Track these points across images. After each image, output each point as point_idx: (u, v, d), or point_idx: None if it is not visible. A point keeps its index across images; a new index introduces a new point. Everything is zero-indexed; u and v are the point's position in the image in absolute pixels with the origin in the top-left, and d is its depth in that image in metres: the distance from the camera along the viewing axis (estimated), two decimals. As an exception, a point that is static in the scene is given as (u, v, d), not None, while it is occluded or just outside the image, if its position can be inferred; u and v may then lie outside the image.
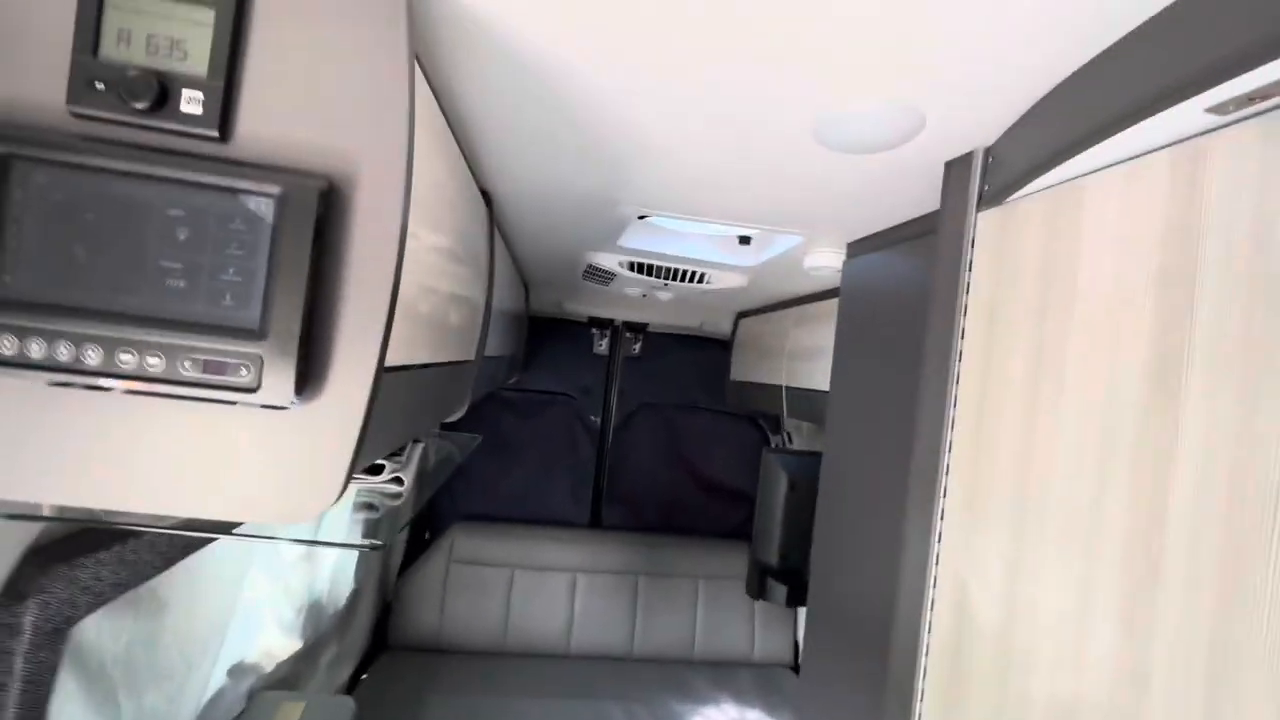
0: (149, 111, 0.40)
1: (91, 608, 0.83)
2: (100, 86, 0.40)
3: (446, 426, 1.23)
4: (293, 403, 0.42)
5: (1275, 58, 0.36)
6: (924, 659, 0.71)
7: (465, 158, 0.86)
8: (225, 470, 0.43)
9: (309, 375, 0.43)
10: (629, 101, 0.65)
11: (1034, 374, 0.59)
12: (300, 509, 0.44)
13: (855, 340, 1.11)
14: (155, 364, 0.40)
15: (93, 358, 0.40)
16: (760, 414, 2.70)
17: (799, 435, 2.54)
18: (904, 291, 0.95)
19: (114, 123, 0.40)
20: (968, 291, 0.69)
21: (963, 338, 0.70)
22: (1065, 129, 0.55)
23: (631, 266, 1.70)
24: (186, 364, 0.40)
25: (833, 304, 1.66)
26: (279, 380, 0.41)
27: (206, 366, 0.41)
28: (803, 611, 2.56)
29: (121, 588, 0.89)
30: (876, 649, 0.88)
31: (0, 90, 0.40)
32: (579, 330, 2.66)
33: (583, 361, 2.69)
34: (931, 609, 0.71)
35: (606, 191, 1.02)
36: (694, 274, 1.68)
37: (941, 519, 0.71)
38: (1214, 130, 0.44)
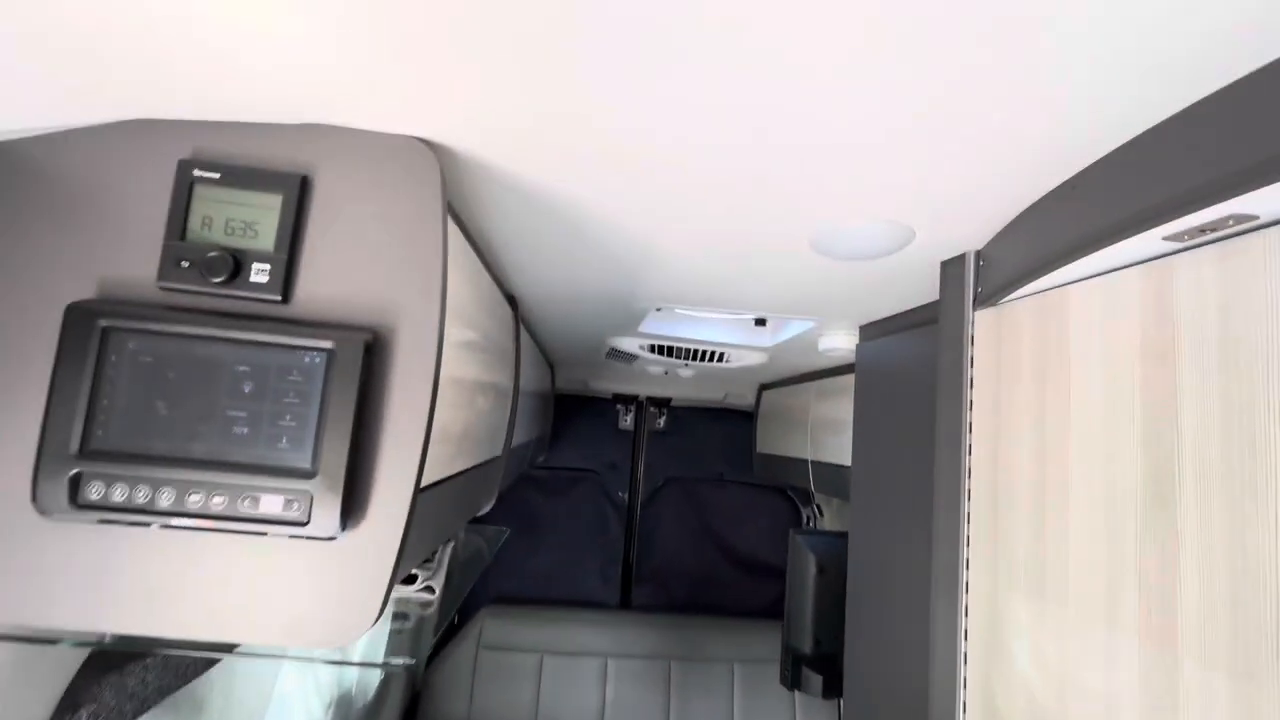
0: (224, 283, 0.47)
1: (137, 713, 0.86)
2: (185, 265, 0.47)
3: (474, 519, 1.26)
4: (338, 534, 0.46)
5: (1220, 199, 0.40)
6: None
7: (491, 269, 0.93)
8: (274, 599, 0.47)
9: (352, 506, 0.47)
10: (640, 222, 0.72)
11: (1040, 471, 0.60)
12: (343, 632, 0.47)
13: (873, 421, 1.13)
14: (219, 503, 0.45)
15: (166, 499, 0.45)
16: (789, 486, 2.67)
17: (829, 507, 2.50)
18: (917, 374, 0.98)
19: (195, 294, 0.47)
20: (972, 386, 0.72)
21: (971, 430, 0.72)
22: (1044, 242, 0.59)
23: (652, 348, 1.75)
24: (246, 502, 0.45)
25: (851, 378, 1.69)
26: (326, 514, 0.46)
27: (263, 504, 0.45)
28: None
29: (165, 691, 0.92)
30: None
31: (104, 273, 0.47)
32: (604, 406, 2.71)
33: (608, 437, 2.71)
34: (964, 693, 0.70)
35: (623, 290, 1.08)
36: (713, 354, 1.72)
37: (966, 600, 0.70)
38: (1175, 254, 0.47)
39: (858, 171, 0.55)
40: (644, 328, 1.52)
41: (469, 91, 0.45)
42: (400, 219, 0.50)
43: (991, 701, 0.65)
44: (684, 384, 2.45)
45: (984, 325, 0.71)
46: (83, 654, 0.74)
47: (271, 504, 0.45)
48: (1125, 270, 0.52)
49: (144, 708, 0.87)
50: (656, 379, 2.36)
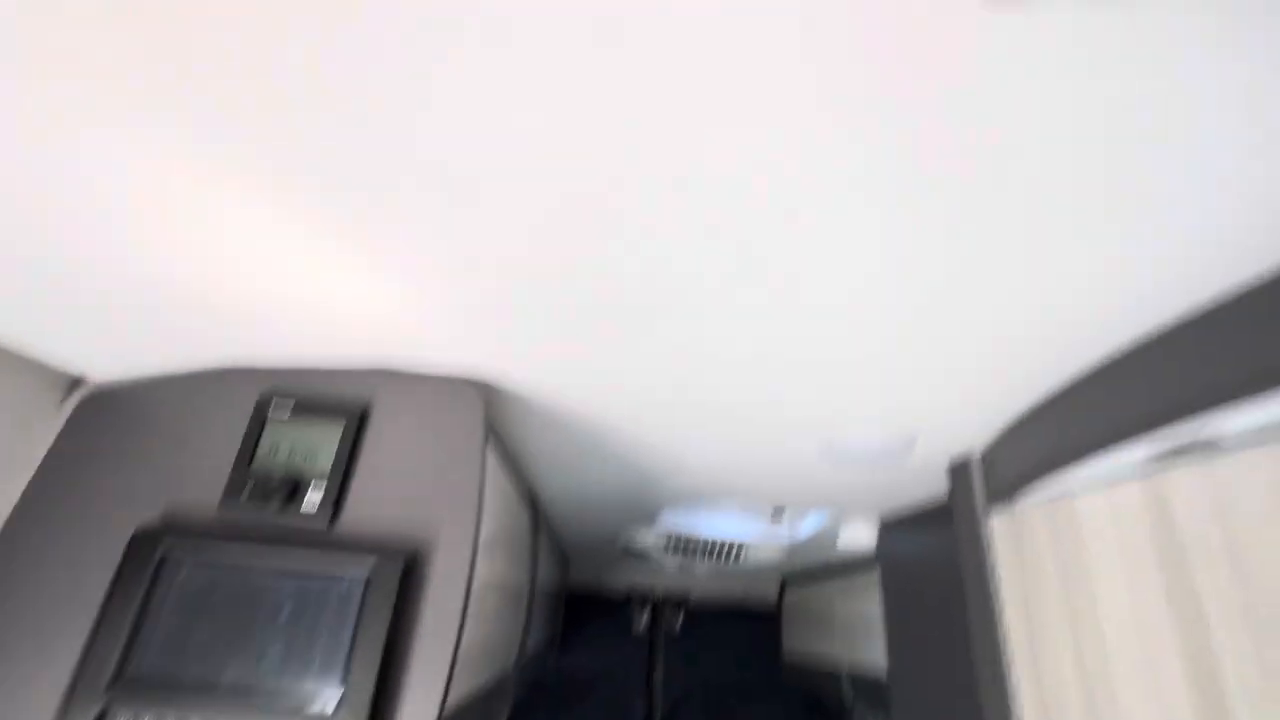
0: (280, 508, 0.51)
1: None
2: (246, 492, 0.51)
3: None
4: (354, 772, 0.44)
5: (1187, 420, 0.44)
6: None
7: (517, 474, 0.97)
8: None
9: None
10: (659, 437, 0.77)
11: (1085, 683, 0.57)
12: None
13: (903, 620, 1.07)
14: (239, 738, 0.44)
15: (187, 735, 0.44)
16: (822, 698, 2.40)
17: (872, 725, 2.22)
18: (942, 569, 0.95)
19: (251, 516, 0.51)
20: (1000, 590, 0.71)
21: (1007, 639, 0.69)
22: (1043, 448, 0.63)
23: (668, 545, 1.72)
24: None
25: (876, 573, 1.62)
26: (347, 748, 0.44)
27: None
28: None
29: None
30: None
31: (171, 499, 0.51)
32: (617, 609, 2.56)
33: (622, 643, 2.52)
34: None
35: (641, 489, 1.10)
36: (730, 550, 1.68)
37: None
38: (1166, 468, 0.51)
39: (859, 387, 0.61)
40: (661, 522, 1.51)
41: (517, 346, 0.53)
42: (444, 447, 0.56)
43: None
44: (702, 578, 2.34)
45: (1001, 527, 0.72)
46: None
47: (292, 738, 0.44)
48: (1125, 485, 0.55)
49: None
50: (672, 576, 2.26)
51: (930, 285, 0.43)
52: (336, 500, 0.52)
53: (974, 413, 0.67)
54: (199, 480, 0.52)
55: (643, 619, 2.53)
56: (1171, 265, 0.40)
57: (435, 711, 0.47)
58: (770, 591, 2.44)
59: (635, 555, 1.86)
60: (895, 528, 1.15)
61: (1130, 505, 0.54)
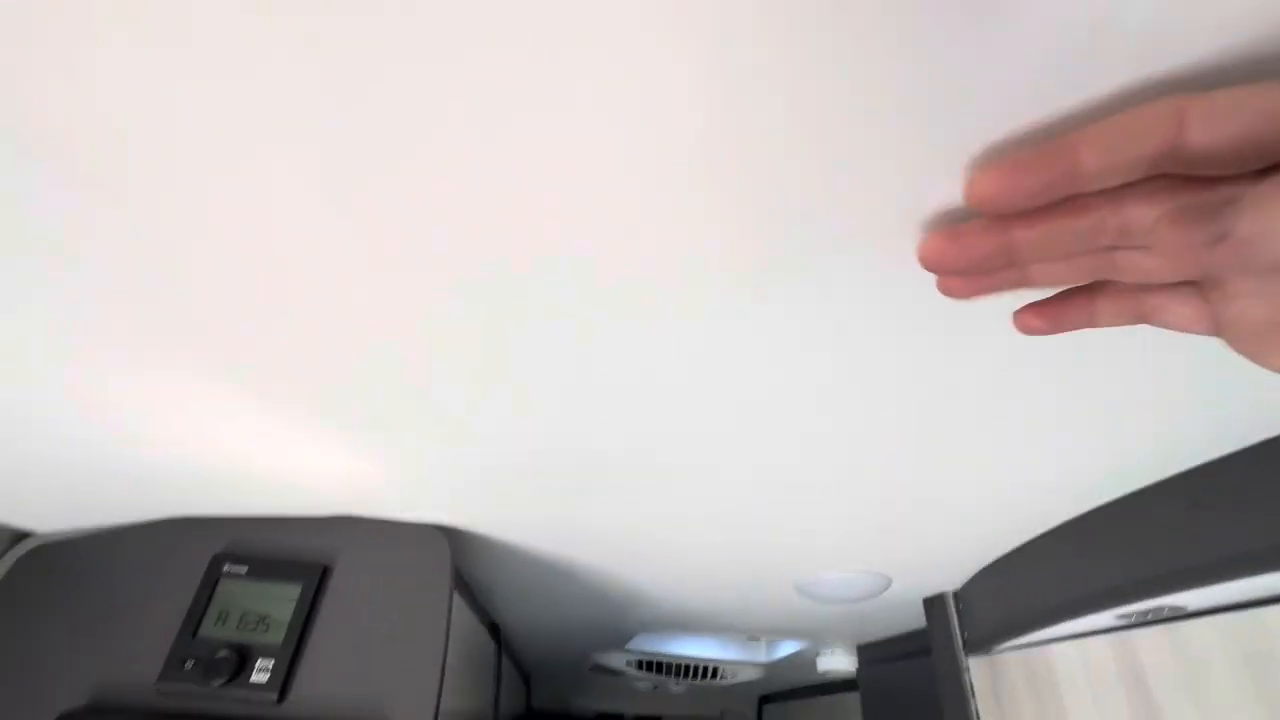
0: (225, 684, 0.47)
1: None
2: (189, 665, 0.47)
3: None
4: None
5: (1155, 596, 0.45)
6: None
7: (478, 605, 0.93)
8: None
9: None
10: (629, 575, 0.75)
11: None
12: None
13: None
14: None
15: None
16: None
17: None
18: (922, 695, 0.92)
19: (192, 695, 0.47)
20: (983, 735, 0.68)
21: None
22: (1013, 598, 0.63)
23: (640, 665, 1.63)
24: None
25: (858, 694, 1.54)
26: None
27: None
28: None
29: None
30: None
31: (103, 678, 0.47)
32: (586, 731, 2.37)
33: (590, 772, 2.31)
34: None
35: (609, 619, 1.06)
36: (707, 669, 1.60)
37: None
38: (1133, 627, 0.51)
39: (831, 536, 0.61)
40: (632, 645, 1.44)
41: (483, 500, 0.52)
42: (408, 598, 0.53)
43: None
44: (676, 700, 2.20)
45: (979, 669, 0.71)
46: None
47: None
48: (1096, 637, 0.55)
49: None
50: (644, 695, 2.12)
51: (895, 455, 0.45)
52: (286, 677, 0.48)
53: (947, 559, 0.67)
54: (136, 652, 0.48)
55: (613, 747, 2.34)
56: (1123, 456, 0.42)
57: None
58: (749, 713, 2.30)
59: (605, 673, 1.75)
60: (875, 653, 1.11)
61: (1101, 657, 0.54)
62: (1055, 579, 0.56)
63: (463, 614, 0.73)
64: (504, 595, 0.89)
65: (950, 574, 0.72)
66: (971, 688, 0.72)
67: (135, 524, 0.54)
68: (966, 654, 0.73)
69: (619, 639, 1.35)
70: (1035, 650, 0.63)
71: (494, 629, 1.11)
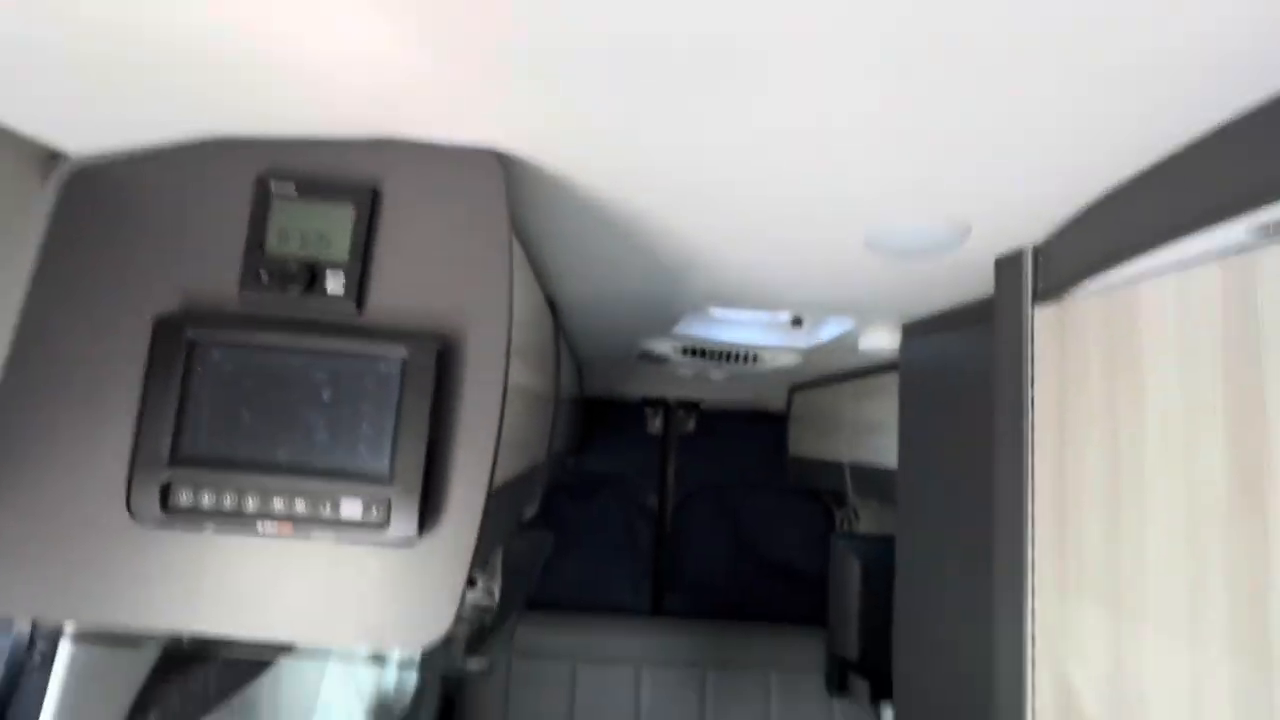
0: (302, 293, 0.48)
1: (200, 713, 0.88)
2: (265, 276, 0.48)
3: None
4: (415, 536, 0.47)
5: None
6: None
7: (536, 274, 0.94)
8: (354, 602, 0.48)
9: (428, 510, 0.48)
10: (688, 223, 0.72)
11: (1113, 471, 0.59)
12: (420, 634, 0.48)
13: (919, 421, 1.11)
14: (302, 508, 0.46)
15: (252, 505, 0.46)
16: (823, 490, 2.65)
17: (866, 510, 2.47)
18: (967, 371, 0.96)
19: (275, 304, 0.48)
20: (1032, 385, 0.71)
21: (1033, 430, 0.70)
22: (1111, 237, 0.58)
23: (685, 351, 1.75)
24: (327, 507, 0.46)
25: (891, 378, 1.67)
26: (404, 518, 0.46)
27: (344, 508, 0.46)
28: (888, 705, 2.39)
29: (224, 694, 0.94)
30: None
31: (189, 286, 0.48)
32: (631, 411, 2.71)
33: (636, 442, 2.71)
34: (1033, 698, 0.68)
35: (662, 293, 1.08)
36: (747, 355, 1.72)
37: (1033, 600, 0.69)
38: (1261, 246, 0.46)
39: (913, 159, 0.55)
40: (679, 329, 1.52)
41: (540, 105, 0.45)
42: (466, 228, 0.51)
43: (1064, 708, 0.64)
44: (714, 386, 2.44)
45: (1044, 322, 0.70)
46: (153, 657, 0.76)
47: (351, 508, 0.46)
48: (1203, 267, 0.51)
49: (205, 710, 0.89)
50: (686, 382, 2.35)
51: (988, 49, 0.36)
52: (360, 289, 0.49)
53: (1035, 200, 0.60)
54: (211, 267, 0.49)
55: (656, 421, 2.70)
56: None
57: (484, 488, 0.49)
58: (779, 399, 2.56)
59: (651, 360, 1.91)
60: (921, 329, 1.14)
61: (1204, 289, 0.50)
62: (1168, 200, 0.49)
63: (523, 273, 0.73)
64: (560, 262, 0.89)
65: (1037, 222, 0.66)
66: (1032, 343, 0.72)
67: (171, 145, 0.51)
68: (1035, 305, 0.71)
69: (666, 322, 1.41)
70: (1118, 291, 0.60)
71: (552, 307, 1.16)
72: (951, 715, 0.92)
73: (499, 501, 0.65)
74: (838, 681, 1.32)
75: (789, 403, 2.52)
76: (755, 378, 2.19)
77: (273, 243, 0.49)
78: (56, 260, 0.49)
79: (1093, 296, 0.63)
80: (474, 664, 0.69)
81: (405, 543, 0.48)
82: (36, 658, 0.60)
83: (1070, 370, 0.65)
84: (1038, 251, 0.71)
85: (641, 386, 2.56)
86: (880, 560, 1.33)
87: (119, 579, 0.46)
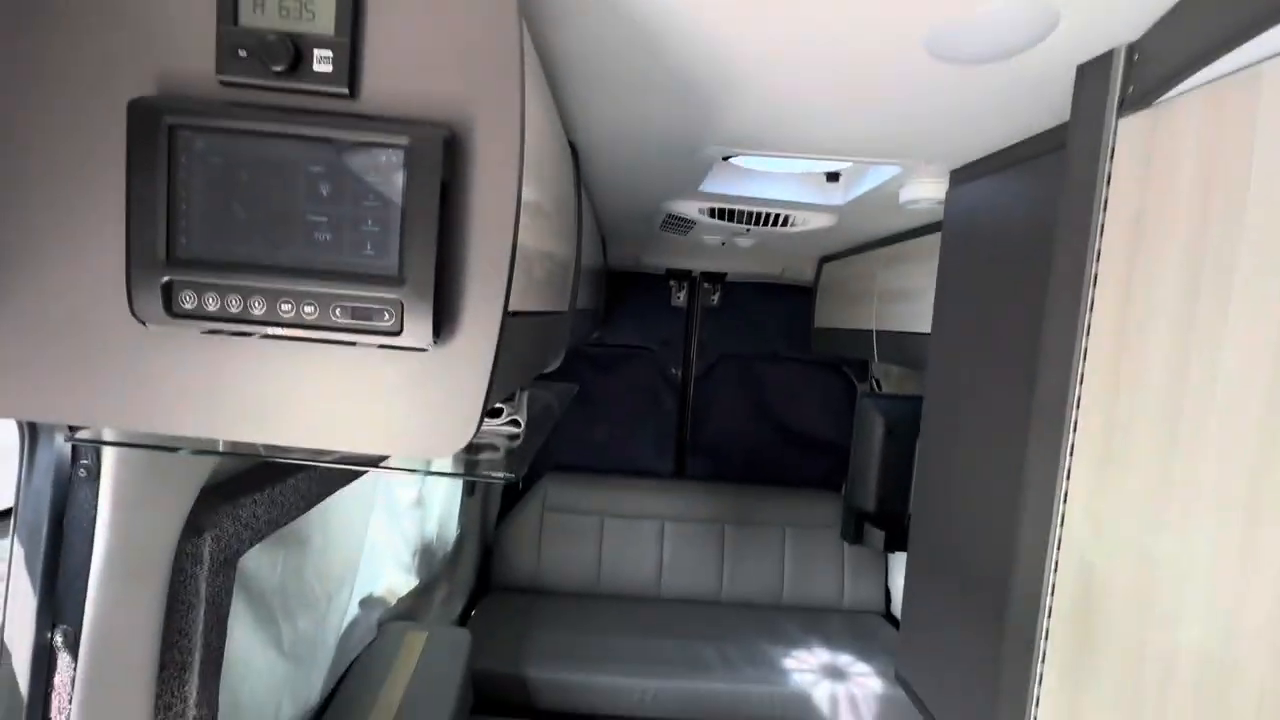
0: (286, 73, 0.42)
1: (252, 542, 0.94)
2: (243, 54, 0.42)
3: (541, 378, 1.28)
4: (431, 345, 0.45)
5: None
6: (1048, 602, 0.69)
7: (558, 109, 0.86)
8: (373, 409, 0.47)
9: (443, 320, 0.45)
10: (724, 30, 0.62)
11: (1190, 297, 0.53)
12: (442, 444, 0.47)
13: (962, 275, 1.05)
14: (310, 312, 0.44)
15: (258, 309, 0.44)
16: (846, 361, 2.63)
17: (888, 381, 2.46)
18: (1020, 218, 0.88)
19: (258, 88, 0.43)
20: (1105, 208, 0.63)
21: (1098, 260, 0.64)
22: (1230, 14, 0.48)
23: (712, 213, 1.66)
24: (337, 311, 0.44)
25: (926, 241, 1.57)
26: (418, 324, 0.44)
27: (355, 313, 0.44)
28: (895, 559, 2.53)
29: (273, 525, 1.00)
30: (988, 596, 0.86)
31: (163, 67, 0.43)
32: (656, 283, 2.66)
33: (661, 314, 2.69)
34: (1058, 553, 0.68)
35: (691, 132, 0.99)
36: (778, 217, 1.62)
37: (1071, 458, 0.67)
38: None
39: None
40: (706, 187, 1.43)
41: None
42: (472, 9, 0.44)
43: (1089, 567, 0.63)
44: (740, 257, 2.36)
45: (1130, 132, 0.61)
46: (200, 479, 0.80)
47: (363, 313, 0.44)
48: None
49: (258, 536, 0.95)
50: (712, 252, 2.27)
51: None
52: (351, 70, 0.43)
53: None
54: (185, 47, 0.43)
55: (681, 294, 2.66)
56: None
57: (500, 301, 0.46)
58: (808, 270, 2.48)
59: (676, 224, 1.83)
60: (969, 175, 1.04)
61: None
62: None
63: (539, 92, 0.66)
64: (582, 88, 0.80)
65: (1138, 9, 0.56)
66: (1110, 162, 0.63)
67: None
68: (1121, 114, 0.62)
69: (694, 176, 1.32)
70: (1231, 77, 0.51)
71: (574, 155, 1.07)
72: (968, 567, 0.94)
73: (518, 328, 0.63)
74: (854, 531, 1.37)
75: (818, 274, 2.43)
76: (785, 246, 2.09)
77: (246, 15, 0.43)
78: (13, 41, 0.43)
79: (1195, 93, 0.54)
80: (500, 474, 0.70)
81: (422, 351, 0.46)
82: (81, 471, 0.63)
83: (1154, 184, 0.58)
84: (1132, 49, 0.61)
85: (666, 258, 2.49)
86: (904, 419, 1.33)
87: (129, 383, 0.46)
